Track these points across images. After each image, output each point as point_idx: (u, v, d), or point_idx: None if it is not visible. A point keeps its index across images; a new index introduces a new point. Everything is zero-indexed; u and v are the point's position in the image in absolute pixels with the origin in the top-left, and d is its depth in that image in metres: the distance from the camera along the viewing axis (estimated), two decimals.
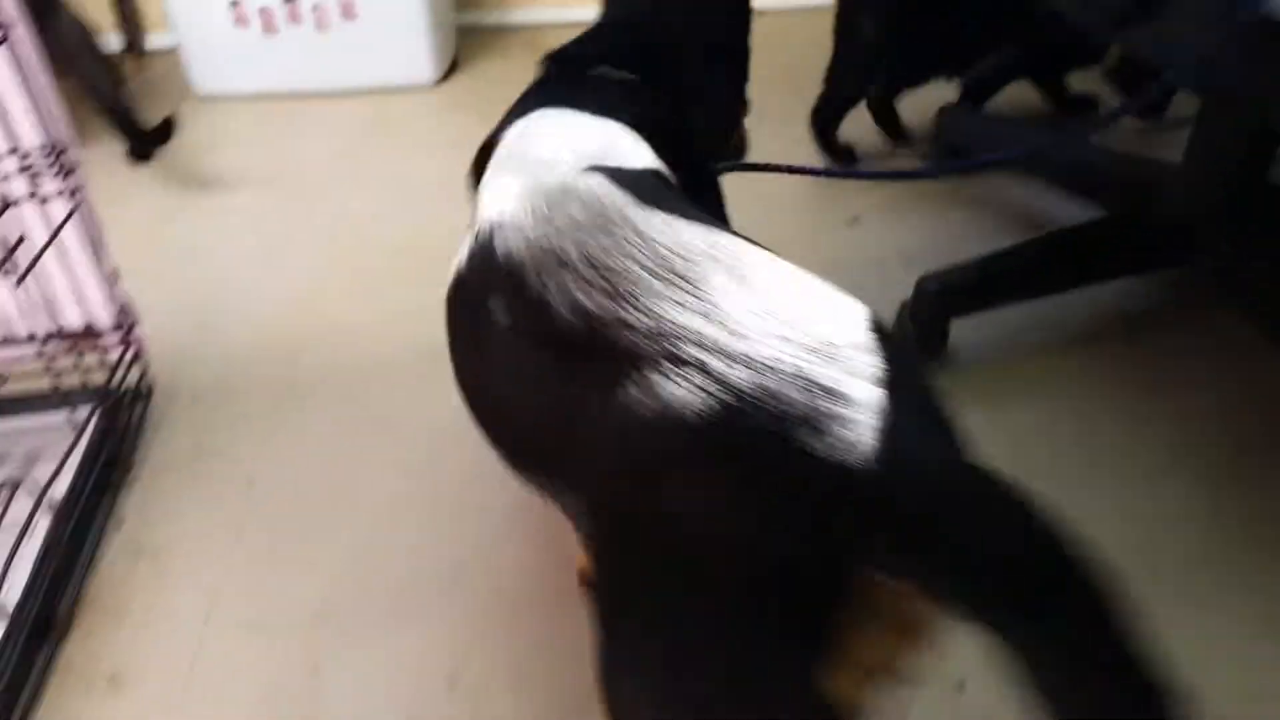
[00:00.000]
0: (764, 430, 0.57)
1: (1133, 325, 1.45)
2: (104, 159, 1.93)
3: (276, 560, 1.19)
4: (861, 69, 1.76)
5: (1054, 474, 1.23)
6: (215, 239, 1.77)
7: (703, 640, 0.59)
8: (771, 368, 0.59)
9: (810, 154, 1.81)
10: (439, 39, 2.16)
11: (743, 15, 1.16)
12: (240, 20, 2.09)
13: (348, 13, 2.09)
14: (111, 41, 2.31)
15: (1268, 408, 1.30)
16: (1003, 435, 1.28)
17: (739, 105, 1.19)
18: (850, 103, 1.79)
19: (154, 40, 2.35)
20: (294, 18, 2.09)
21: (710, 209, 0.94)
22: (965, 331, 1.38)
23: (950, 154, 1.79)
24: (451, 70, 2.24)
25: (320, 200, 1.85)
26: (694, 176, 0.97)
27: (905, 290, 1.38)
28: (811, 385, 0.58)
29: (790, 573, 0.56)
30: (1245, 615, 1.06)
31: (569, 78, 1.03)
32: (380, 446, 1.33)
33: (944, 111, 1.80)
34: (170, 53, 2.22)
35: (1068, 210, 1.58)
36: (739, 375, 0.59)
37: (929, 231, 1.65)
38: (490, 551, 1.17)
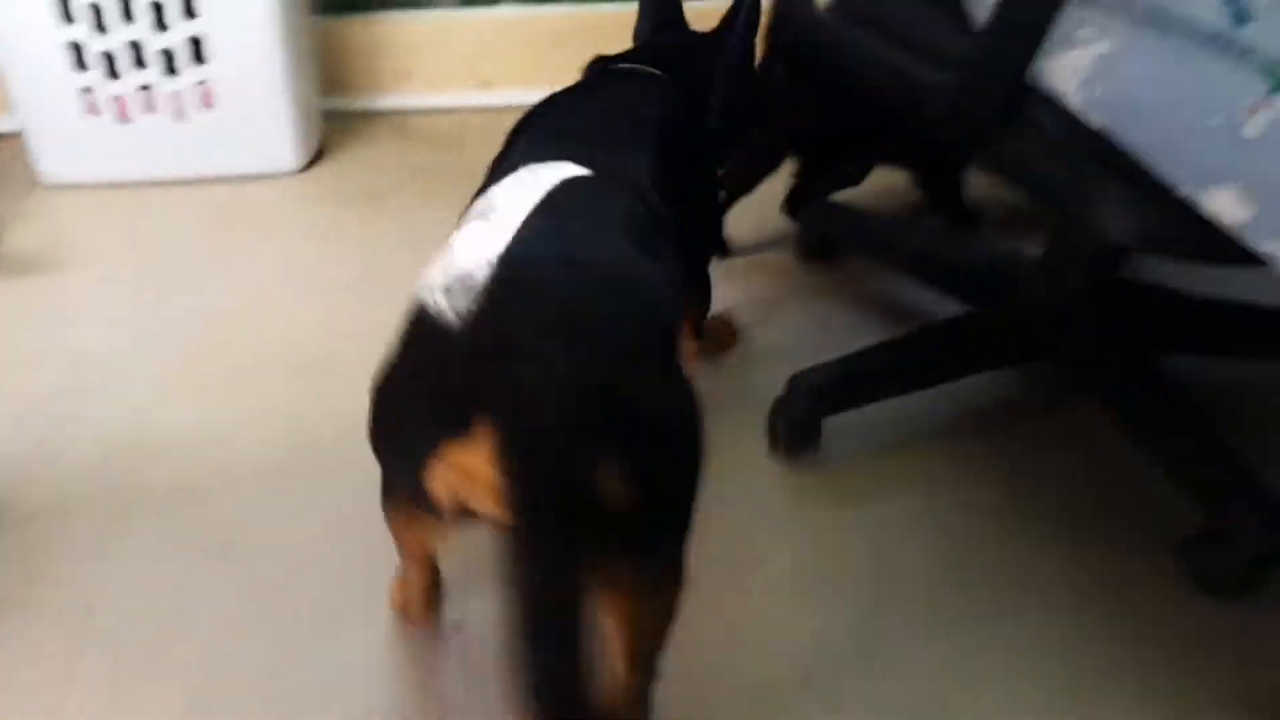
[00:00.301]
0: (496, 308, 0.80)
1: (993, 419, 1.48)
2: None
3: (116, 695, 1.09)
4: (771, 151, 1.75)
5: (919, 574, 1.24)
6: (58, 339, 1.66)
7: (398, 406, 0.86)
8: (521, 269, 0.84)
9: None
10: (303, 125, 2.11)
11: (748, 58, 1.35)
12: (92, 109, 1.99)
13: (206, 100, 2.01)
14: None
15: (1120, 501, 1.33)
16: (870, 532, 1.29)
17: (747, 122, 1.38)
18: (747, 188, 1.78)
19: None
20: (150, 106, 2.01)
21: (705, 201, 1.32)
22: (829, 426, 1.39)
23: (817, 245, 1.80)
24: (318, 157, 2.18)
25: (174, 295, 1.76)
26: (694, 163, 1.25)
27: (776, 386, 1.37)
28: (539, 292, 0.82)
29: (447, 393, 0.79)
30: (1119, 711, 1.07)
31: (604, 71, 1.30)
32: (229, 564, 1.25)
33: (805, 203, 1.82)
34: (13, 138, 2.11)
35: (938, 302, 1.61)
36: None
37: (801, 325, 1.66)
38: (359, 677, 1.11)
